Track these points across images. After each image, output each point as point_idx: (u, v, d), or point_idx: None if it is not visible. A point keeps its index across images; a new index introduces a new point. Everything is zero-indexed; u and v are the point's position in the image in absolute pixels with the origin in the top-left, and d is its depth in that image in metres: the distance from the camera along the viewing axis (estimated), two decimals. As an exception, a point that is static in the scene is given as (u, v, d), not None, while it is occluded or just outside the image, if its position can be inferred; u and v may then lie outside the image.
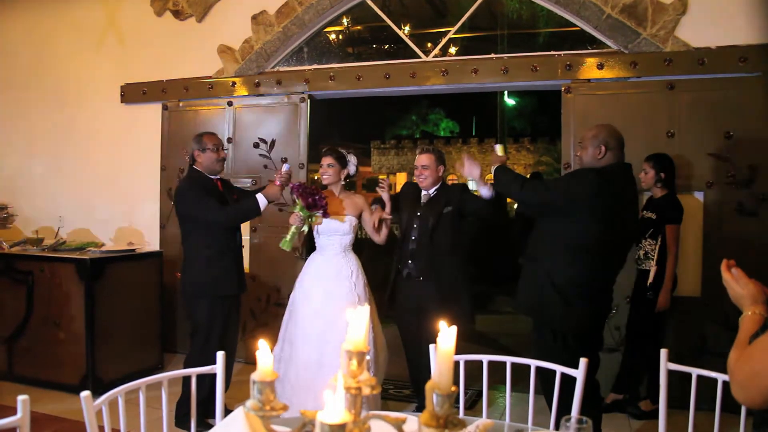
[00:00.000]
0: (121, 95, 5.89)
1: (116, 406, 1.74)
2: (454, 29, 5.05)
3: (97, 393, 1.66)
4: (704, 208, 4.36)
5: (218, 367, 1.95)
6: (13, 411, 1.49)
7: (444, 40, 5.08)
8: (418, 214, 4.05)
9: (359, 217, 3.99)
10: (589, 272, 3.11)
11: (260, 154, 5.44)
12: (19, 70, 6.40)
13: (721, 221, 4.30)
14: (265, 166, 5.42)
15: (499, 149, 3.66)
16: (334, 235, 3.87)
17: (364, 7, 5.26)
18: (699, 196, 4.39)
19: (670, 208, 4.09)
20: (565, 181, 3.30)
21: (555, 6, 4.69)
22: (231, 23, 5.48)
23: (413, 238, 4.02)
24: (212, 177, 3.95)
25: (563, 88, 4.66)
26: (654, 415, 4.08)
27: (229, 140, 5.48)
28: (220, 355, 1.95)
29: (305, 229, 3.76)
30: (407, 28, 5.35)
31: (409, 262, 4.02)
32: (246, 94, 5.48)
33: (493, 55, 4.87)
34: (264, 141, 5.42)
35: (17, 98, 6.42)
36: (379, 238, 3.96)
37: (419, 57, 5.12)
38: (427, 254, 3.96)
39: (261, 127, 5.47)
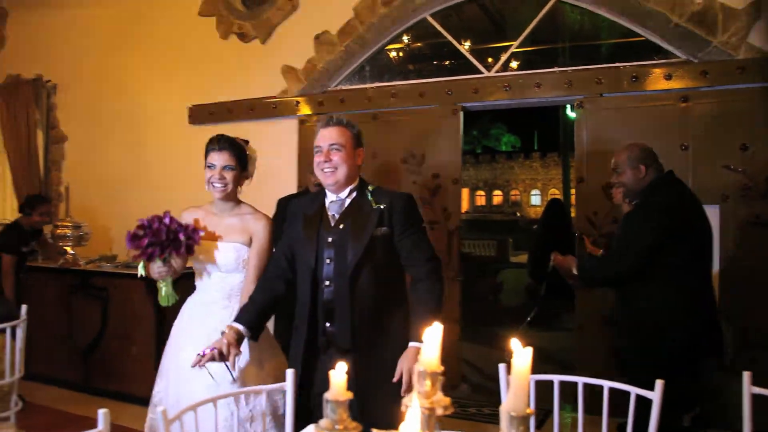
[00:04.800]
0: (189, 116, 6.06)
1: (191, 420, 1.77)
2: (516, 43, 5.00)
3: (171, 408, 1.69)
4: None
5: (288, 385, 1.97)
6: (89, 421, 1.54)
7: (507, 54, 5.03)
8: (329, 240, 2.47)
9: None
10: (692, 291, 3.07)
11: (409, 170, 5.21)
12: (93, 94, 6.68)
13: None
14: (414, 182, 5.14)
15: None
16: (214, 271, 2.73)
17: (425, 24, 5.28)
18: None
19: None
20: (637, 229, 3.10)
21: (619, 17, 4.59)
22: (294, 44, 5.58)
23: (326, 284, 2.45)
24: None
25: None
26: None
27: (373, 155, 5.23)
28: (290, 373, 1.96)
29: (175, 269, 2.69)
30: (467, 44, 5.33)
31: (327, 325, 2.45)
32: (400, 106, 5.26)
33: (556, 69, 4.80)
34: (413, 155, 5.20)
35: (92, 121, 6.70)
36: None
37: (481, 72, 5.09)
38: (351, 310, 2.41)
39: (408, 139, 5.20)
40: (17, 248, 5.22)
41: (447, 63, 5.72)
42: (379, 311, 2.43)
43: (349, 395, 1.24)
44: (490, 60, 5.20)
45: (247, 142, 2.93)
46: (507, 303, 10.67)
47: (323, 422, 1.23)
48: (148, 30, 6.37)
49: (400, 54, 5.79)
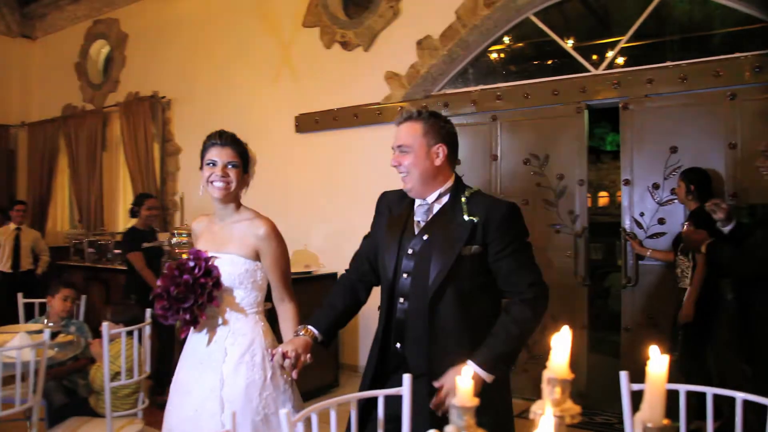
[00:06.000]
0: (296, 125, 6.22)
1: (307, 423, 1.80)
2: (626, 38, 4.80)
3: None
4: None
5: (404, 390, 1.96)
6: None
7: (616, 50, 4.85)
8: (409, 252, 2.16)
9: (259, 259, 2.37)
10: None
11: (533, 172, 5.09)
12: (204, 108, 7.00)
13: None
14: (538, 184, 5.06)
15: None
16: None
17: (527, 23, 5.20)
18: None
19: (697, 220, 3.91)
20: None
21: (736, 3, 4.30)
22: (397, 50, 5.62)
23: (401, 300, 2.16)
24: None
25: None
26: None
27: (494, 157, 5.23)
28: (407, 378, 1.96)
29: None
30: (570, 42, 5.19)
31: (397, 345, 2.17)
32: (513, 107, 5.15)
33: (669, 63, 4.58)
34: (536, 157, 5.09)
35: (203, 133, 6.97)
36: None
37: (588, 70, 4.94)
38: (428, 334, 2.09)
39: (531, 140, 5.10)
40: (138, 246, 5.36)
41: (549, 62, 5.60)
42: (459, 338, 2.07)
43: (476, 401, 1.22)
44: (594, 57, 5.05)
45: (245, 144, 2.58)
46: (615, 308, 10.29)
47: (449, 428, 1.22)
48: (255, 44, 6.62)
49: (501, 55, 5.72)
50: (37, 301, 4.61)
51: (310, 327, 2.22)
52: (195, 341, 2.38)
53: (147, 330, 3.43)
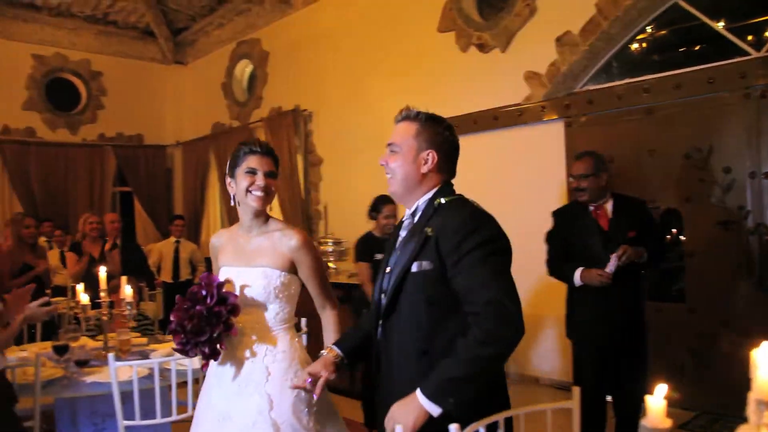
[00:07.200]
0: (436, 131, 6.23)
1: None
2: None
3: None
4: None
5: (574, 403, 1.91)
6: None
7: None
8: (387, 270, 2.02)
9: (293, 270, 2.30)
10: None
11: (694, 166, 4.75)
12: (344, 118, 7.22)
13: None
14: (701, 180, 4.71)
15: None
16: (240, 304, 2.22)
17: (672, 9, 4.91)
18: None
19: None
20: None
21: None
22: (535, 49, 5.50)
23: (380, 323, 2.03)
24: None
25: None
26: None
27: (650, 153, 4.95)
28: (576, 391, 1.90)
29: None
30: (721, 24, 4.83)
31: (378, 372, 2.07)
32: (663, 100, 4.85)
33: None
34: (698, 150, 4.72)
35: (344, 142, 7.22)
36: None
37: (747, 53, 4.57)
38: (385, 361, 2.00)
39: (691, 133, 4.75)
40: (370, 256, 4.78)
41: (697, 48, 5.24)
42: (418, 367, 1.86)
43: (669, 423, 1.15)
44: (750, 38, 4.66)
45: None
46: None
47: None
48: (391, 53, 6.72)
49: (644, 45, 5.43)
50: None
51: (333, 347, 2.11)
52: (228, 361, 2.26)
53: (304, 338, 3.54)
